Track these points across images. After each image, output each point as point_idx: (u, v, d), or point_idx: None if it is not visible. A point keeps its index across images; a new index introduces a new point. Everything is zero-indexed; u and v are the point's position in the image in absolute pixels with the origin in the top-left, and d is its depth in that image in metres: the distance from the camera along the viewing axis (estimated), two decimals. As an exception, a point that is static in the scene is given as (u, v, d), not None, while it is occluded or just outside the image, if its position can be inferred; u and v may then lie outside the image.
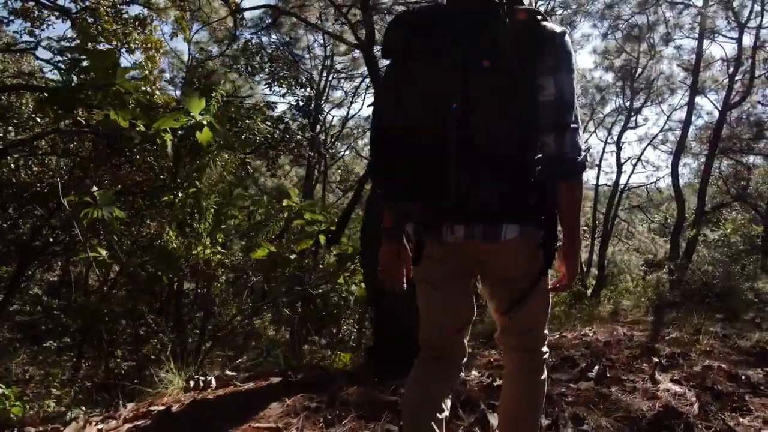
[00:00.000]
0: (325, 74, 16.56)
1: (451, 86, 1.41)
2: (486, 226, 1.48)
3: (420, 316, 1.72)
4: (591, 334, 5.26)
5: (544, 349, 1.75)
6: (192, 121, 3.88)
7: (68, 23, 9.17)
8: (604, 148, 18.24)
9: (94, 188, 5.06)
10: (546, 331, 1.76)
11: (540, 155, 1.46)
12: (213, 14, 10.00)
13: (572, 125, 1.45)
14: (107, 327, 5.15)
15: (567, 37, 1.47)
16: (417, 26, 1.51)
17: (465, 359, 1.76)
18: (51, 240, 6.78)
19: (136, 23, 10.34)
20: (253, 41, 14.11)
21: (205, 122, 4.02)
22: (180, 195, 4.94)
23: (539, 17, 1.45)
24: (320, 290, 5.29)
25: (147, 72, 11.16)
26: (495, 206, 1.45)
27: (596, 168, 17.49)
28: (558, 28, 1.46)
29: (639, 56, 13.74)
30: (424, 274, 1.67)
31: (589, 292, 13.14)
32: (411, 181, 1.44)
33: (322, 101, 17.32)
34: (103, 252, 5.35)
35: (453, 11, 1.51)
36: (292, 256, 4.62)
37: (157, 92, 10.78)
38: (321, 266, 5.49)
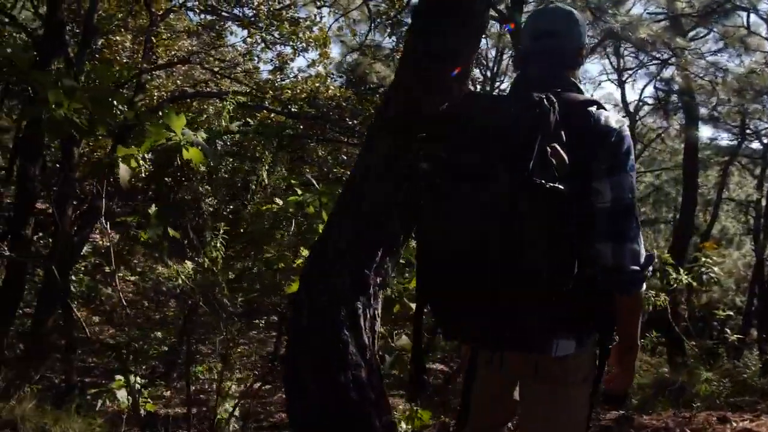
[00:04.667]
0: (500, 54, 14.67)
1: (497, 207, 1.22)
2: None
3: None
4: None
5: None
6: (172, 140, 3.28)
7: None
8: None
9: (153, 206, 4.66)
10: None
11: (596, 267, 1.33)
12: (349, 4, 9.53)
13: (631, 232, 1.31)
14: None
15: (625, 131, 1.34)
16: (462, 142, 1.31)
17: None
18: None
19: (302, 23, 10.32)
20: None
21: (199, 138, 3.39)
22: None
23: (593, 108, 1.34)
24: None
25: (320, 69, 11.36)
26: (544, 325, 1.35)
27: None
28: (614, 121, 1.33)
29: None
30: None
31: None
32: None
33: (498, 82, 15.40)
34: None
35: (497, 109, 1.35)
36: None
37: (331, 87, 10.75)
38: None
